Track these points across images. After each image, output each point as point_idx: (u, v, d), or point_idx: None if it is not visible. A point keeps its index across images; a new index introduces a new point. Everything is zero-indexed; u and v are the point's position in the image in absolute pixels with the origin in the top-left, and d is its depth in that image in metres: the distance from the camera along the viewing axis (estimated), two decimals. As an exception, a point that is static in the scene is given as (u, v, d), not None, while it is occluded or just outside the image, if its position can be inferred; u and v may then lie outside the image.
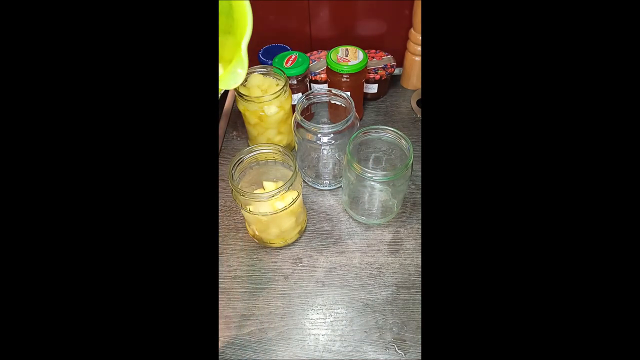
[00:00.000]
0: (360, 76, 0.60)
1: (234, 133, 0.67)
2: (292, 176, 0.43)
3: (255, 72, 0.57)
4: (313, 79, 0.67)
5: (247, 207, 0.44)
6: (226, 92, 0.72)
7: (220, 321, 0.45)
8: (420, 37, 0.66)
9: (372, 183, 0.49)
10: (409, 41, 0.68)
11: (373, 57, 0.70)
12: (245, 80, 0.56)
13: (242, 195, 0.42)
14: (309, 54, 0.70)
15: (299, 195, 0.47)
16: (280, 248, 0.52)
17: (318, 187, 0.59)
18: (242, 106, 0.55)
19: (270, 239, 0.50)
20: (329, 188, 0.58)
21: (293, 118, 0.52)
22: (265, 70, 0.57)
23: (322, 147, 0.52)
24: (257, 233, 0.49)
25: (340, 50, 0.60)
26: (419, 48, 0.67)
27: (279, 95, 0.53)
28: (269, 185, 0.48)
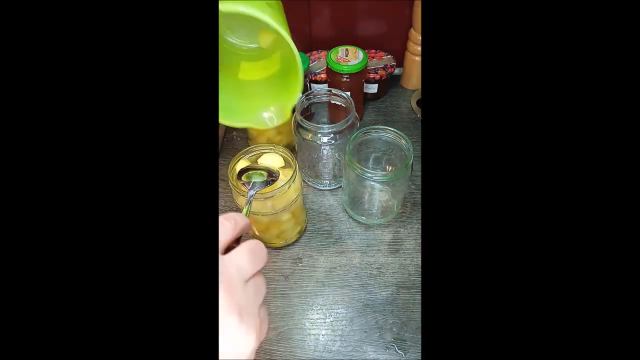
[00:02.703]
0: (360, 76, 0.60)
1: (234, 133, 0.67)
2: (292, 176, 0.43)
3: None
4: (313, 79, 0.67)
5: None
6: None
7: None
8: (420, 37, 0.66)
9: (372, 183, 0.49)
10: (409, 41, 0.68)
11: (373, 57, 0.70)
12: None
13: (243, 196, 0.42)
14: (309, 54, 0.70)
15: (299, 195, 0.47)
16: (280, 248, 0.52)
17: (318, 187, 0.59)
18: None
19: (270, 239, 0.50)
20: (329, 188, 0.58)
21: (293, 118, 0.52)
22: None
23: (322, 147, 0.52)
24: (257, 233, 0.49)
25: (340, 50, 0.60)
26: (419, 48, 0.67)
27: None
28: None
